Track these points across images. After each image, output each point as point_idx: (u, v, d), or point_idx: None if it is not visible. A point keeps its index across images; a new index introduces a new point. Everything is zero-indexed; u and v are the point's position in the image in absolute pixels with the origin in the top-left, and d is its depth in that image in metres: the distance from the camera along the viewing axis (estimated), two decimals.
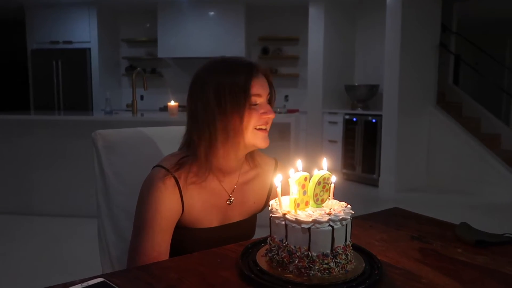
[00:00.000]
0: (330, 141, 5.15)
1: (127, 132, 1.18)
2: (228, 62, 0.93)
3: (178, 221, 0.94)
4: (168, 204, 0.90)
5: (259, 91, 0.91)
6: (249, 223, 1.05)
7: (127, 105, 6.15)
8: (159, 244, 0.89)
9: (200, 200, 0.95)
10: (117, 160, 1.13)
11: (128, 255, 0.91)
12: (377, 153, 4.57)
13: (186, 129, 0.95)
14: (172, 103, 3.34)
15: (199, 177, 0.94)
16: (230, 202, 1.00)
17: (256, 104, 0.91)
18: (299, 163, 0.79)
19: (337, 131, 5.05)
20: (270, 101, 0.96)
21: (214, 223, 0.98)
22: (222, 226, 0.99)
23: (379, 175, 4.49)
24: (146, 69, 6.25)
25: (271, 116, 0.92)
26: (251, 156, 1.03)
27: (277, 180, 0.75)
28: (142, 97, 6.32)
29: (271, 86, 0.96)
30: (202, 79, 0.92)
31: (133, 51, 6.43)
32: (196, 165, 0.93)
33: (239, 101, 0.88)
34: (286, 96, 6.22)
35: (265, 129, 0.93)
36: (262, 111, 0.92)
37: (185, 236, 0.95)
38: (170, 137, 1.10)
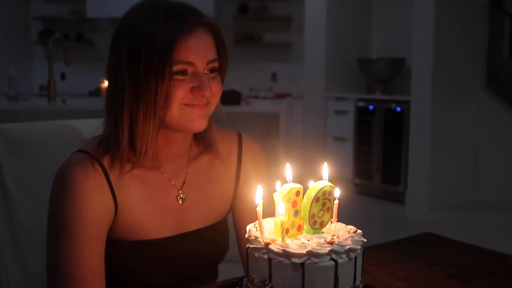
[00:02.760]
0: (337, 138, 5.20)
1: (40, 127, 1.17)
2: (158, 6, 0.93)
3: (110, 231, 0.95)
4: (94, 201, 0.91)
5: (191, 57, 0.92)
6: (218, 230, 1.07)
7: (41, 88, 6.07)
8: (86, 259, 0.90)
9: (141, 197, 0.97)
10: (24, 169, 1.12)
11: (48, 279, 0.92)
12: (403, 155, 4.63)
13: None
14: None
15: (132, 164, 0.96)
16: (182, 199, 1.02)
17: (183, 73, 0.92)
18: (288, 169, 0.79)
19: (347, 125, 5.09)
20: (220, 71, 0.98)
21: (165, 232, 1.00)
22: (177, 237, 1.01)
23: (405, 187, 4.55)
24: (70, 34, 6.19)
25: (206, 94, 0.93)
26: (199, 134, 1.04)
27: (257, 194, 0.76)
28: (63, 76, 6.26)
29: (221, 47, 0.97)
30: (119, 29, 0.94)
31: (49, 8, 6.33)
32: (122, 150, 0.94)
33: (155, 69, 0.89)
34: (274, 75, 6.26)
35: (198, 105, 0.94)
36: (192, 85, 0.92)
37: (122, 253, 0.96)
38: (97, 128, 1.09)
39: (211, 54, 0.95)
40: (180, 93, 0.91)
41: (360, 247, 0.73)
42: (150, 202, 0.98)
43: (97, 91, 5.50)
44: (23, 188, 1.12)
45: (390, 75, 5.12)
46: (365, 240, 0.76)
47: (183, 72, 0.92)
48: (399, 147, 4.67)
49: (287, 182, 0.77)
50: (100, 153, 0.94)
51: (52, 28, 6.24)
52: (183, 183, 1.02)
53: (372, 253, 1.00)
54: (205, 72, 0.94)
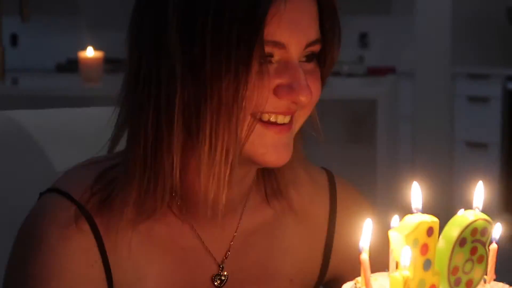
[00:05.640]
0: (472, 144, 4.25)
1: None
2: None
3: None
4: (72, 278, 0.72)
5: (284, 35, 0.67)
6: None
7: None
8: None
9: (153, 272, 0.77)
10: None
11: None
12: None
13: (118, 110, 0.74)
14: (90, 52, 3.00)
15: (148, 214, 0.73)
16: (222, 282, 0.79)
17: (269, 60, 0.68)
18: (416, 192, 0.63)
19: (489, 120, 4.17)
20: (325, 60, 0.74)
21: None
22: None
23: None
24: None
25: (301, 98, 0.68)
26: (272, 170, 0.80)
27: (362, 233, 0.58)
28: (14, 39, 5.15)
29: (328, 22, 0.73)
30: None
31: None
32: (138, 189, 0.70)
33: (235, 51, 0.64)
34: (363, 36, 4.99)
35: (277, 125, 0.70)
36: (279, 81, 0.68)
37: None
38: (83, 133, 0.99)
39: (313, 32, 0.70)
40: (258, 96, 0.67)
41: None
42: (166, 281, 0.76)
43: (71, 64, 4.13)
44: None
45: None
46: None
47: (269, 55, 0.68)
48: None
49: (414, 213, 0.61)
50: (94, 202, 0.72)
51: None
52: (227, 253, 0.78)
53: None
54: (301, 60, 0.70)
